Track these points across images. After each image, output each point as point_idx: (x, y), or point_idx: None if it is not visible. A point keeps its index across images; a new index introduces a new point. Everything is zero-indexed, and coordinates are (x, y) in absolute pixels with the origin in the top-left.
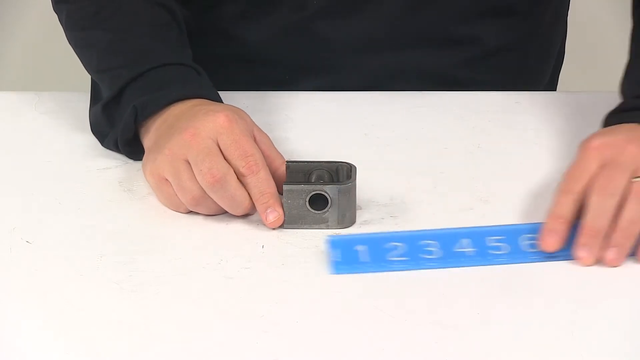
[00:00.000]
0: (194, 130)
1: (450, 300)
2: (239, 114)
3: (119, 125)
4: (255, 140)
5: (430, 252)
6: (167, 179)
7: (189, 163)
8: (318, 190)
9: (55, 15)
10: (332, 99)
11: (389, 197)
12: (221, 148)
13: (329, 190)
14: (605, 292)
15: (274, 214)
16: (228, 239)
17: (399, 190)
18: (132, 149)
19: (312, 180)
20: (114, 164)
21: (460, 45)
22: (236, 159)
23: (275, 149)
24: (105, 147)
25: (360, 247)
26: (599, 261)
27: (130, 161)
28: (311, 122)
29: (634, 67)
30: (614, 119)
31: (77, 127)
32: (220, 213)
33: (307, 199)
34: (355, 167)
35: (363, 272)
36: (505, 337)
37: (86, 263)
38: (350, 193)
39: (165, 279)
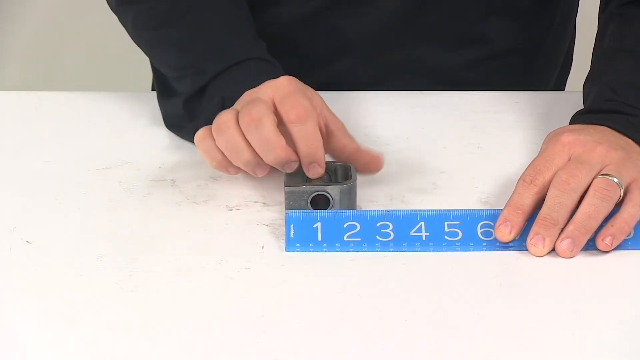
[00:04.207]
0: (254, 92)
1: (450, 300)
2: (309, 90)
3: (201, 117)
4: (326, 123)
5: (385, 235)
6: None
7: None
8: (320, 191)
9: (55, 16)
10: (332, 99)
11: (389, 197)
12: (276, 103)
13: (330, 190)
14: (605, 291)
15: (316, 170)
16: (228, 239)
17: (399, 190)
18: None
19: (311, 182)
20: (114, 164)
21: (470, 44)
22: (288, 108)
23: (347, 131)
24: (182, 137)
25: (318, 225)
26: (553, 252)
27: (131, 161)
28: None
29: (604, 70)
30: (583, 118)
31: (77, 127)
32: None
33: (309, 200)
34: (355, 167)
35: (316, 251)
36: (505, 337)
37: (86, 263)
38: (351, 193)
39: (165, 279)
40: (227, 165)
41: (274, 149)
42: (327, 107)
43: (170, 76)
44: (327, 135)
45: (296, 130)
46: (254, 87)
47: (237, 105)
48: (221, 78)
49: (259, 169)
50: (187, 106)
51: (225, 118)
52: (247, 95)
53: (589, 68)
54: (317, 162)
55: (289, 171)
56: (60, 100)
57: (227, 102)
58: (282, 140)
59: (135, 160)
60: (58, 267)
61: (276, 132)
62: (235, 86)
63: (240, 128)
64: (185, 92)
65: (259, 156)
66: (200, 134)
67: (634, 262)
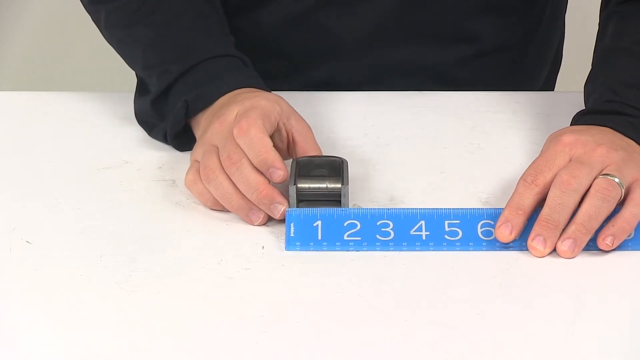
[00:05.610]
0: (224, 118)
1: (450, 300)
2: (274, 102)
3: (169, 119)
4: (290, 128)
5: (385, 234)
6: (197, 161)
7: (218, 148)
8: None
9: (55, 16)
10: (331, 99)
11: (389, 197)
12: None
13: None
14: (605, 291)
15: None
16: (228, 239)
17: (399, 190)
18: (181, 141)
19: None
20: (114, 164)
21: (459, 42)
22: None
23: (313, 139)
24: (152, 137)
25: (318, 224)
26: (553, 252)
27: (131, 161)
28: (311, 122)
29: (604, 70)
30: (584, 119)
31: (77, 126)
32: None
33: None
34: (346, 160)
35: (316, 251)
36: (505, 336)
37: (86, 263)
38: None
39: (165, 279)
40: (222, 206)
41: (255, 187)
42: (295, 113)
43: (142, 75)
44: (292, 143)
45: (241, 143)
46: (220, 91)
47: (215, 138)
48: (187, 77)
49: (253, 216)
50: (155, 106)
51: (211, 165)
52: (219, 124)
53: (590, 67)
54: (273, 166)
55: (278, 217)
56: (60, 100)
57: (191, 105)
58: (263, 179)
59: (135, 160)
60: (58, 267)
61: (255, 171)
62: (199, 87)
63: (226, 173)
64: (153, 91)
65: (249, 201)
66: (190, 178)
67: (634, 262)
